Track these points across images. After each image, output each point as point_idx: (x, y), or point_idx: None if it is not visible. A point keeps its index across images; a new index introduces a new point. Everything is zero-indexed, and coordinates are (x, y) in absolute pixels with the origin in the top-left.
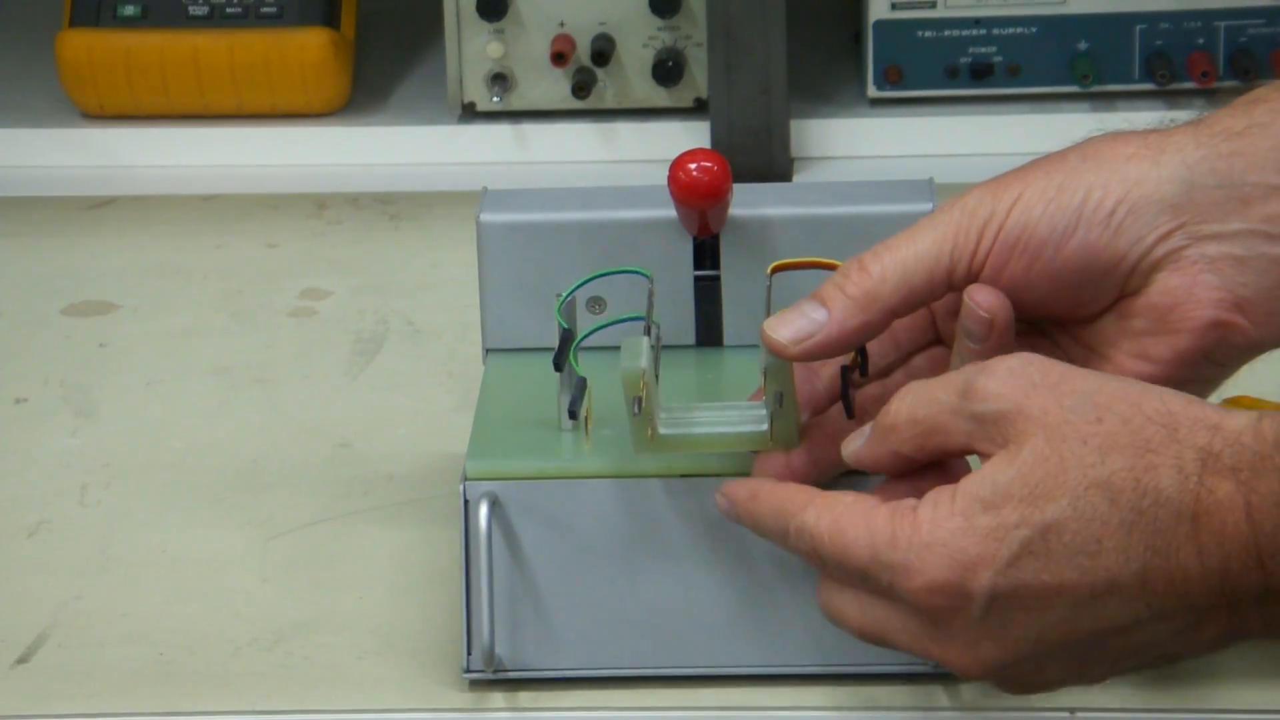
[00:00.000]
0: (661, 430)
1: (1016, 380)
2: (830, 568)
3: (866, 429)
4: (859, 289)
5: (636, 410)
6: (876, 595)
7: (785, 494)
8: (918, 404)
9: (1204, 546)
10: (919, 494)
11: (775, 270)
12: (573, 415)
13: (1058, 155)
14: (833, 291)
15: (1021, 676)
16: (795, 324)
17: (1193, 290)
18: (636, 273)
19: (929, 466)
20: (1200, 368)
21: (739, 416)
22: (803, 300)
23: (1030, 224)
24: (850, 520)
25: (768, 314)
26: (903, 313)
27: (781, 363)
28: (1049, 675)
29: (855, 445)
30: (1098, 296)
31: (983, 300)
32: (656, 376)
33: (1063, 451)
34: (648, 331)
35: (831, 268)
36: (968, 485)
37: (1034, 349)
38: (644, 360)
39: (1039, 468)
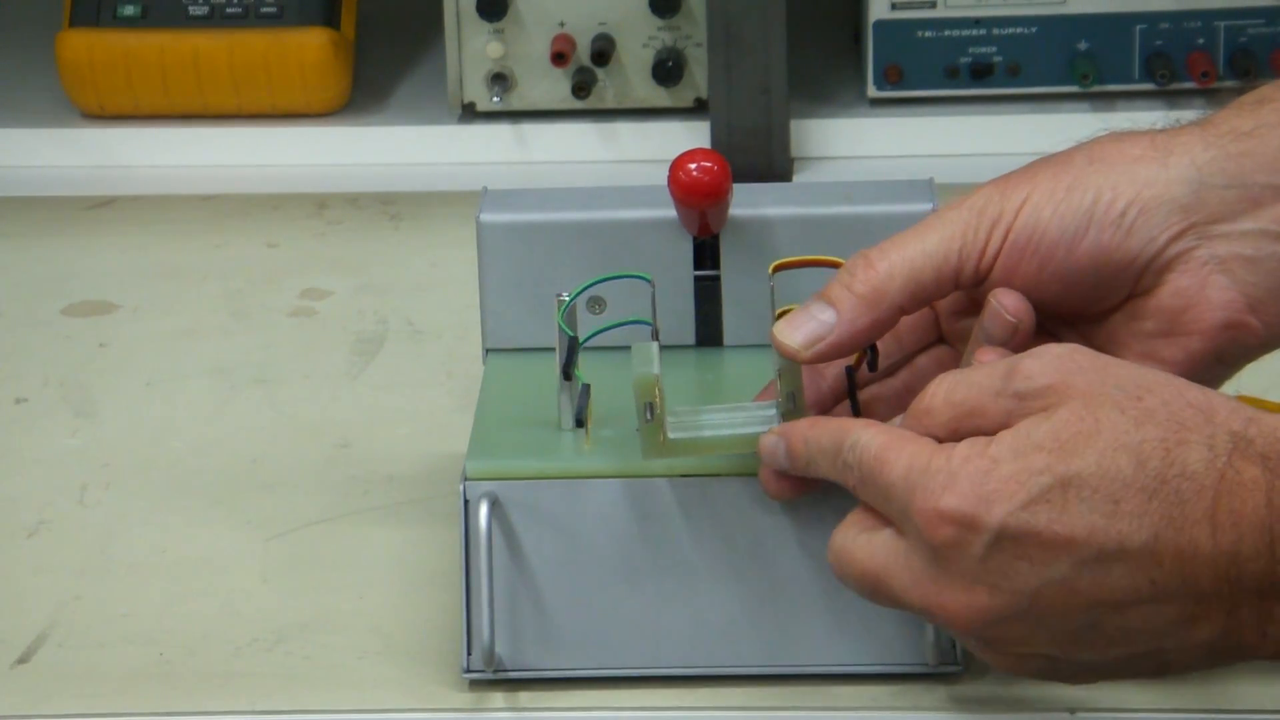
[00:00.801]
0: (671, 435)
1: (1062, 363)
2: (863, 485)
3: (901, 415)
4: (866, 286)
5: (649, 417)
6: (887, 530)
7: (849, 420)
8: (956, 388)
9: (1219, 524)
10: None
11: (777, 269)
12: (579, 423)
13: (1063, 156)
14: (840, 291)
15: (1008, 641)
16: (805, 327)
17: (1204, 291)
18: (638, 277)
19: None
20: (1211, 368)
21: (747, 418)
22: (810, 301)
23: (1041, 225)
24: (900, 443)
25: (772, 313)
26: (911, 310)
27: (794, 365)
28: (1036, 646)
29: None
30: (1108, 297)
31: (1009, 304)
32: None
33: (1099, 415)
34: (655, 336)
35: (833, 265)
36: (1004, 435)
37: None
38: (656, 366)
39: (1073, 425)
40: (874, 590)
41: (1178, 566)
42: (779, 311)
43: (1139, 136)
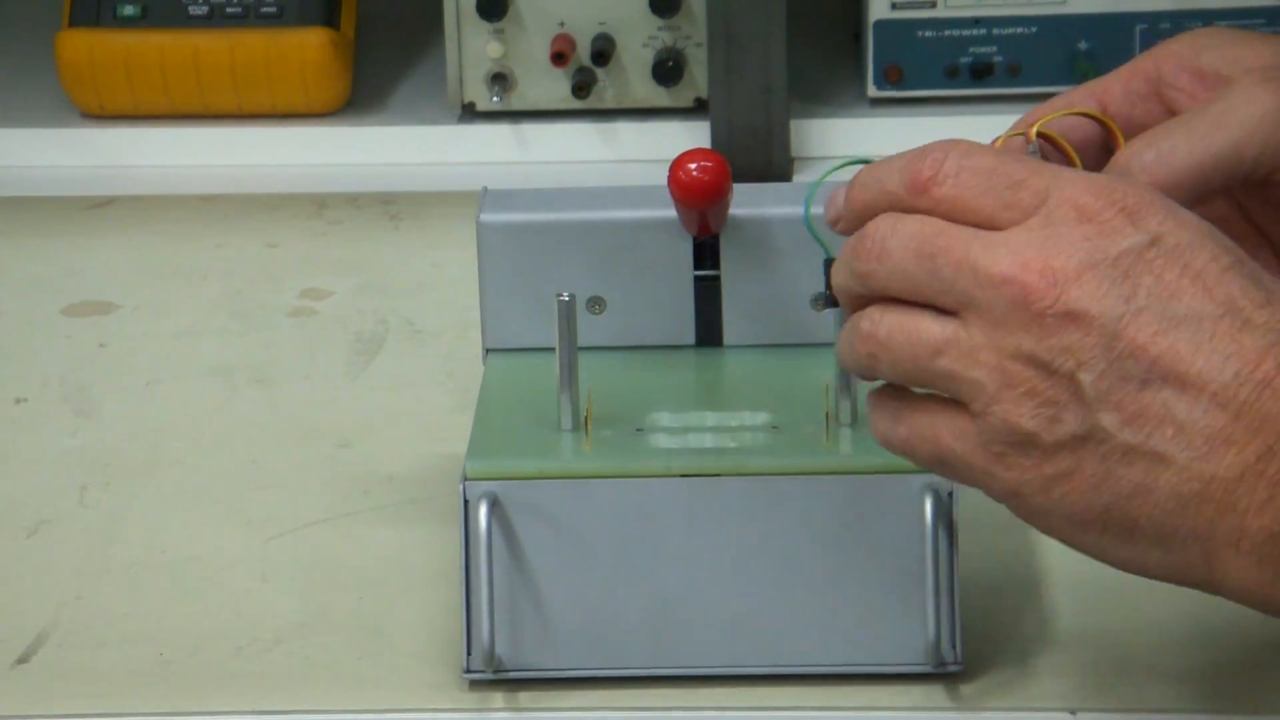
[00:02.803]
0: None
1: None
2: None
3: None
4: None
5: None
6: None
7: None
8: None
9: None
10: None
11: (1039, 132)
12: (830, 303)
13: None
14: None
15: (1070, 353)
16: None
17: None
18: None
19: None
20: None
21: None
22: None
23: None
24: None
25: None
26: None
27: None
28: (1084, 355)
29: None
30: None
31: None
32: None
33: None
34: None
35: (1097, 119)
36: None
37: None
38: None
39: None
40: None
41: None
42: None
43: None
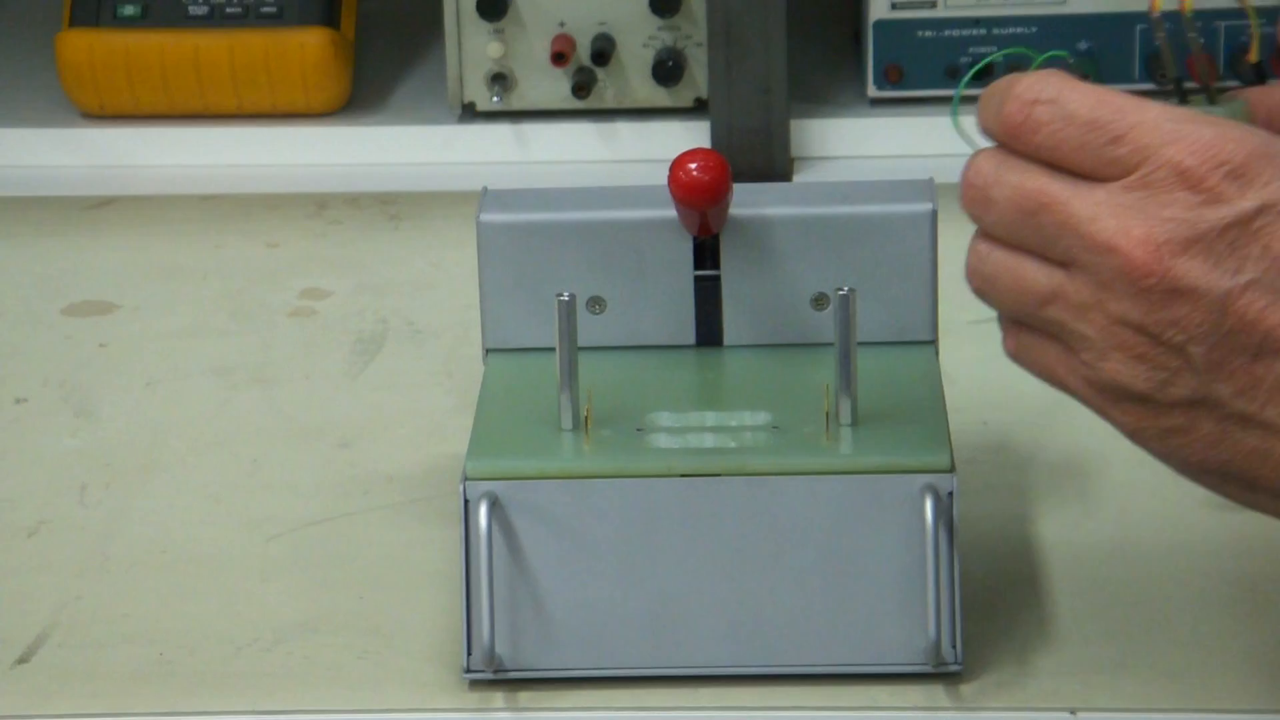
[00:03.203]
0: None
1: None
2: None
3: None
4: None
5: None
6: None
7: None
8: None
9: None
10: None
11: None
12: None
13: None
14: None
15: (1167, 327)
16: None
17: None
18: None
19: None
20: None
21: None
22: None
23: None
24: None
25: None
26: None
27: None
28: (1189, 330)
29: None
30: None
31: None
32: None
33: None
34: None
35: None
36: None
37: None
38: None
39: None
40: (1034, 215)
41: None
42: None
43: None
